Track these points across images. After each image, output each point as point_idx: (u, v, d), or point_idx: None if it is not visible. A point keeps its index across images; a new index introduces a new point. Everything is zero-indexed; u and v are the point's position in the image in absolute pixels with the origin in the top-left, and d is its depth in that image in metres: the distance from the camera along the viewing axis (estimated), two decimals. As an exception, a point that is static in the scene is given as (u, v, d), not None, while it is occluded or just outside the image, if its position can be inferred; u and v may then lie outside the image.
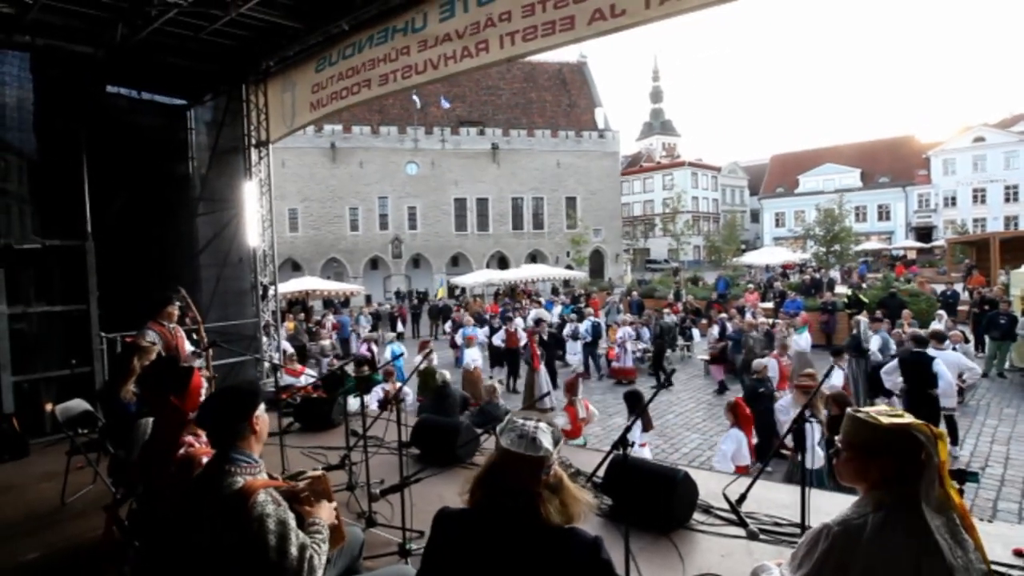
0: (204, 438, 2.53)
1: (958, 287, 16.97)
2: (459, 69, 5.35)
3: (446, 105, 37.12)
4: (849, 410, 1.66)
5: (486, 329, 14.25)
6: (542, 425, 1.55)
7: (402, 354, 8.89)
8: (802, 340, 11.01)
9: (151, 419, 3.08)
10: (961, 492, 3.73)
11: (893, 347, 10.17)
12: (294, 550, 1.72)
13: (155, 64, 7.00)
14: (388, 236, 36.68)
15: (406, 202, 36.99)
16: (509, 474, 1.49)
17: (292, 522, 1.77)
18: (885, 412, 1.61)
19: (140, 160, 7.07)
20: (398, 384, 6.82)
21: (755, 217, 60.34)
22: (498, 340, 13.12)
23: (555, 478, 1.50)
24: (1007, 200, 45.44)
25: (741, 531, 3.46)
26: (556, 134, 39.85)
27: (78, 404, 4.87)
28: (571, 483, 1.54)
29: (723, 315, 14.64)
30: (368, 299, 28.52)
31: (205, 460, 2.32)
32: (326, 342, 13.32)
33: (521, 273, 28.46)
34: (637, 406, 6.28)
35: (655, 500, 3.47)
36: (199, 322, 5.00)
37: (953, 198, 47.48)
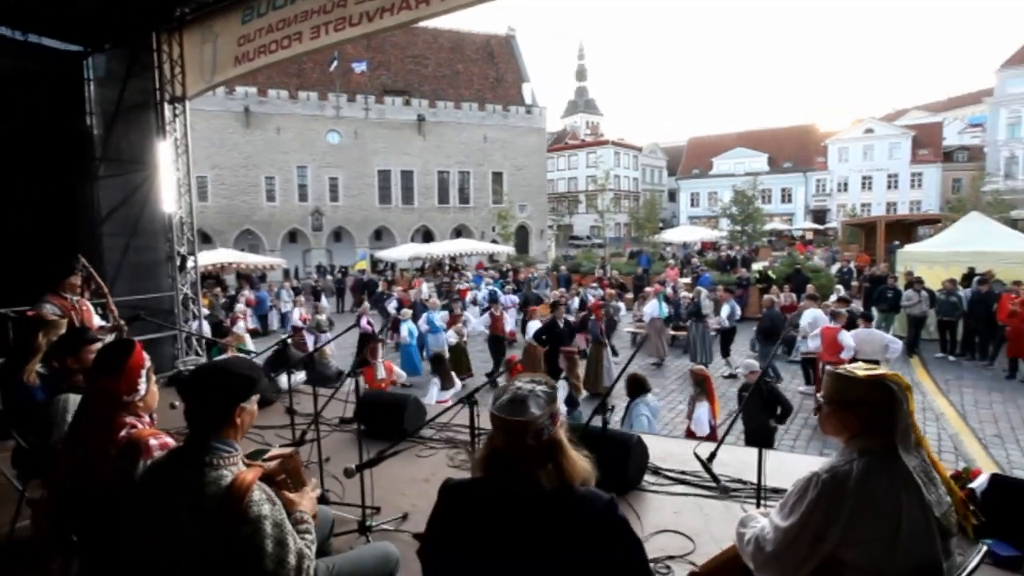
0: (147, 419, 2.29)
1: (852, 265, 18.72)
2: (396, 22, 5.06)
3: (361, 68, 35.23)
4: (829, 367, 1.77)
5: (483, 317, 12.35)
6: (539, 389, 1.47)
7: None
8: (650, 308, 12.30)
9: (70, 396, 2.76)
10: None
11: (738, 314, 12.10)
12: (292, 558, 1.54)
13: (43, 1, 6.12)
14: (308, 208, 34.94)
15: (327, 172, 35.31)
16: (499, 439, 1.44)
17: (288, 524, 1.59)
18: (861, 367, 1.73)
19: (26, 113, 6.22)
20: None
21: (672, 196, 63.00)
22: (480, 325, 11.34)
23: (548, 442, 1.43)
24: (888, 187, 50.40)
25: (687, 489, 3.66)
26: (483, 107, 39.34)
27: (-33, 388, 4.29)
28: (569, 447, 1.48)
29: (582, 287, 16.31)
30: (286, 273, 27.17)
31: (153, 442, 2.09)
32: (323, 316, 12.18)
33: (448, 247, 28.16)
34: (439, 368, 7.81)
35: (611, 464, 3.58)
36: (106, 294, 4.51)
37: (845, 184, 51.99)
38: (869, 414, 1.66)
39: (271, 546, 1.51)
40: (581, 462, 1.46)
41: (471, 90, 40.49)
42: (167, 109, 6.91)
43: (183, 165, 7.09)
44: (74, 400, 2.66)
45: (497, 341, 11.22)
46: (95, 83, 6.90)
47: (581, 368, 9.88)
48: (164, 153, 6.88)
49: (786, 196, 53.98)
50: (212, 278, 17.70)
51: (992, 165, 42.82)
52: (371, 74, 36.58)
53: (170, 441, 2.14)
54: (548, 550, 1.36)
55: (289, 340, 5.10)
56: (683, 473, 3.80)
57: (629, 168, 61.93)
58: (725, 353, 11.61)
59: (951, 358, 11.47)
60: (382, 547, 2.08)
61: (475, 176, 39.81)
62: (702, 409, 6.25)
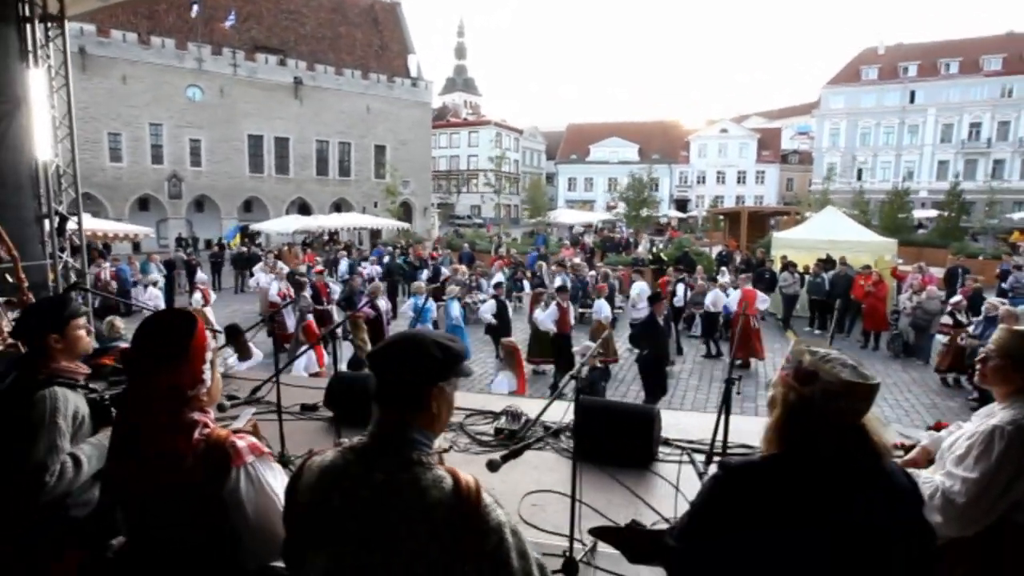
0: (212, 414, 1.71)
1: (718, 248, 20.75)
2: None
3: (231, 22, 31.80)
4: (1014, 327, 1.83)
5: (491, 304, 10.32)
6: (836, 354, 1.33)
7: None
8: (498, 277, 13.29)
9: (59, 391, 2.00)
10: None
11: (569, 283, 12.73)
12: (536, 571, 1.23)
13: None
14: (164, 172, 30.63)
15: (187, 133, 31.15)
16: (838, 411, 1.28)
17: (520, 531, 1.26)
18: None
19: None
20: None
21: (550, 180, 64.97)
22: (549, 320, 9.04)
23: None
24: (738, 182, 56.69)
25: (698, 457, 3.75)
26: (367, 76, 37.22)
27: None
28: None
29: (434, 262, 17.29)
30: (136, 246, 23.74)
31: (241, 444, 1.55)
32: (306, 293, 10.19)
33: (334, 221, 26.46)
34: (234, 338, 6.80)
35: (634, 438, 3.53)
36: (16, 258, 3.50)
37: (703, 177, 57.43)
38: None
39: (516, 559, 1.19)
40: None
41: (353, 56, 38.08)
42: (38, 29, 5.48)
43: (62, 101, 5.71)
44: (65, 397, 1.95)
45: (562, 339, 9.27)
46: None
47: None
48: (35, 85, 5.46)
49: (654, 185, 58.23)
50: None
51: (817, 168, 49.76)
52: (240, 26, 32.88)
53: (256, 441, 1.62)
54: (862, 515, 1.24)
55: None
56: (690, 442, 3.88)
57: (511, 150, 62.57)
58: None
59: (817, 332, 13.18)
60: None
61: (357, 148, 37.71)
62: (501, 375, 7.58)
